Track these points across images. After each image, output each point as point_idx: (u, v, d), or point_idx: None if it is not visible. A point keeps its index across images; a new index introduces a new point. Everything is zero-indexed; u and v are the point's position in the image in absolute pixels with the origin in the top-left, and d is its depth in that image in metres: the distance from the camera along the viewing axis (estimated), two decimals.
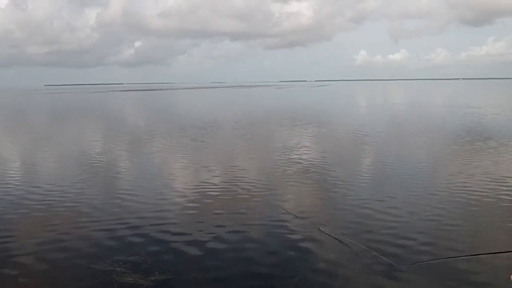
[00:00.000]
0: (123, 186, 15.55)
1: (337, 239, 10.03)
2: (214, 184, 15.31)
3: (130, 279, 8.23)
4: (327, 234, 10.31)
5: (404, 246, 9.62)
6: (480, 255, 9.04)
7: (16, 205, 13.08)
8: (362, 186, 15.05)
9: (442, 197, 13.32)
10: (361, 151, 23.10)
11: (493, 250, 9.26)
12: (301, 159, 19.91)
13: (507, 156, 20.27)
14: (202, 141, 25.64)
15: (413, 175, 16.48)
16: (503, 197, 13.18)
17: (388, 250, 9.35)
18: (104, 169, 18.43)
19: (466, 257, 9.01)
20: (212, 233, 10.51)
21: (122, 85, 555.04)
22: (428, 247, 9.52)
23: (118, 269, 8.60)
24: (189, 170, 18.28)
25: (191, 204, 13.04)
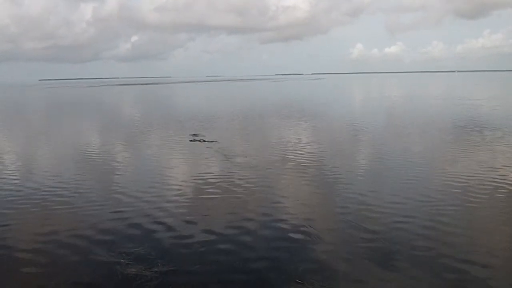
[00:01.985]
0: (124, 180, 15.60)
1: (327, 233, 10.18)
2: (215, 179, 15.27)
3: (134, 270, 8.34)
4: (318, 228, 10.47)
5: (400, 241, 9.77)
6: None
7: (16, 199, 13.14)
8: (360, 179, 15.10)
9: (439, 186, 13.47)
10: (359, 144, 23.21)
11: (490, 241, 9.44)
12: (299, 153, 20.02)
13: (503, 147, 20.41)
14: (202, 140, 25.51)
15: (411, 166, 16.60)
16: (499, 185, 13.35)
17: (381, 245, 9.51)
18: (104, 164, 18.50)
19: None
20: (213, 227, 10.58)
21: (117, 79, 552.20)
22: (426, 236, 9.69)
23: (122, 260, 8.71)
24: (190, 165, 18.36)
25: (194, 198, 13.15)
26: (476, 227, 10.37)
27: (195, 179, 15.23)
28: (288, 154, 19.52)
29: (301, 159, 18.37)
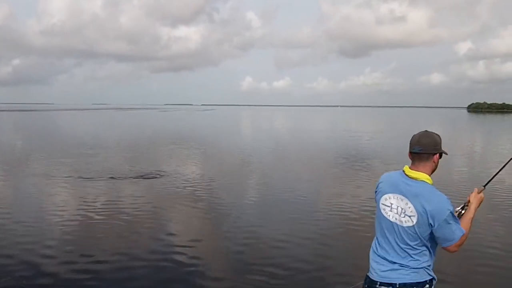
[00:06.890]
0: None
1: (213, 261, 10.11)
2: (96, 209, 14.41)
3: None
4: (204, 258, 10.37)
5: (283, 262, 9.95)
6: None
7: None
8: (246, 209, 15.00)
9: (321, 213, 14.01)
10: (245, 175, 23.18)
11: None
12: (184, 182, 19.70)
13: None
14: (82, 176, 24.31)
15: (295, 195, 17.11)
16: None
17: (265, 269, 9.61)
18: None
19: None
20: (92, 257, 9.94)
21: None
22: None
23: None
24: (72, 196, 17.22)
25: (72, 228, 12.28)
26: (355, 251, 10.85)
27: (78, 210, 14.26)
28: (177, 183, 19.17)
29: (190, 188, 18.16)
